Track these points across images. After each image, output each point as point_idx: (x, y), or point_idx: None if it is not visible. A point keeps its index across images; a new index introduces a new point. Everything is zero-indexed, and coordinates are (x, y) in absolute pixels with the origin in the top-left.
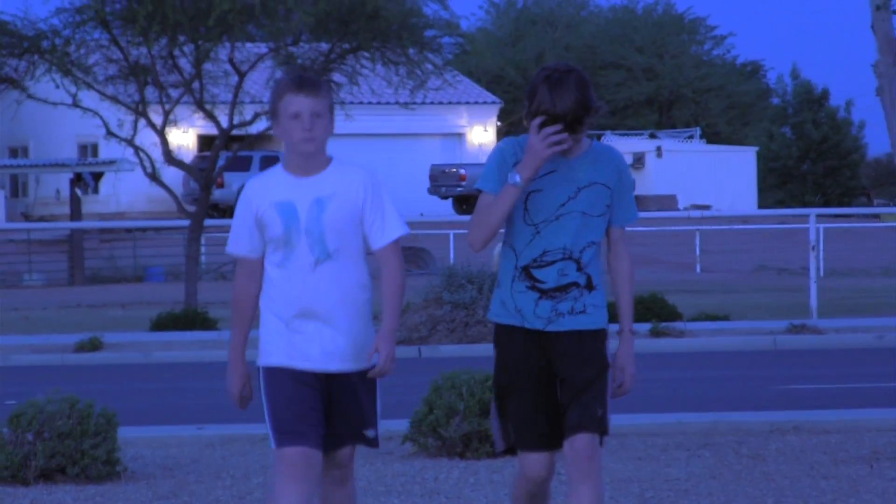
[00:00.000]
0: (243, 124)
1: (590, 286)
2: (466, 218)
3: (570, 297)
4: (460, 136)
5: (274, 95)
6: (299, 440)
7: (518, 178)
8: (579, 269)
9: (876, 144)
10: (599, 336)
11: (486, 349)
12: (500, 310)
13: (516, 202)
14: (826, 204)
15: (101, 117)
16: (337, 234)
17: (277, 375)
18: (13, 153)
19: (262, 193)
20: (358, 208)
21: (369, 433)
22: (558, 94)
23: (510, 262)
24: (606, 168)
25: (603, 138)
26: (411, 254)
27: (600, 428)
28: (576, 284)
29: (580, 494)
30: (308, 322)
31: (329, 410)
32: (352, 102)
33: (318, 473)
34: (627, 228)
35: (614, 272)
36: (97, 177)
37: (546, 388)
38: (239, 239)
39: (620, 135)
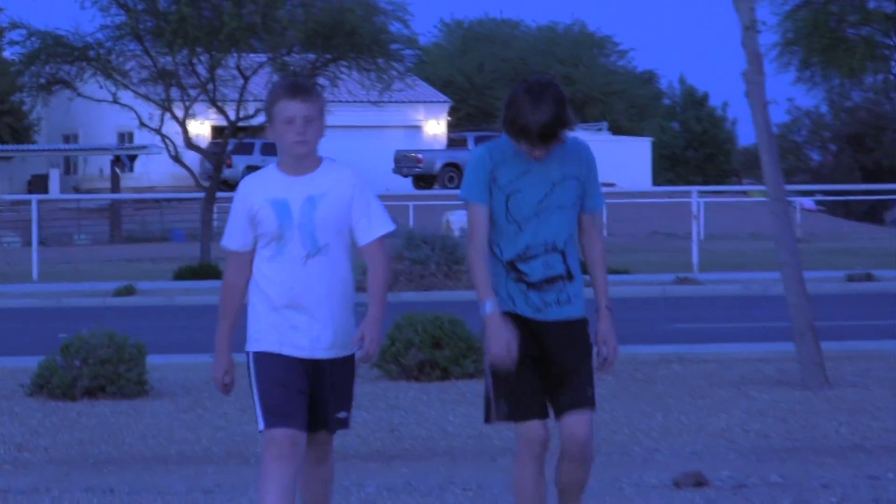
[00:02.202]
0: (247, 117)
1: (570, 276)
2: (423, 192)
3: (555, 289)
4: (418, 128)
5: (269, 100)
6: (287, 422)
7: (488, 309)
8: (564, 260)
9: (745, 136)
10: (583, 323)
11: (438, 296)
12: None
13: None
14: (705, 182)
15: (135, 111)
16: (327, 230)
17: (267, 360)
18: (66, 139)
19: (256, 191)
20: (347, 206)
21: (341, 415)
22: (536, 108)
23: (497, 258)
24: (575, 161)
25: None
26: None
27: (589, 404)
28: (560, 277)
29: (575, 468)
30: (296, 312)
31: (311, 395)
32: (332, 101)
33: (303, 453)
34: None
35: (589, 255)
36: (132, 158)
37: (537, 367)
38: (233, 234)
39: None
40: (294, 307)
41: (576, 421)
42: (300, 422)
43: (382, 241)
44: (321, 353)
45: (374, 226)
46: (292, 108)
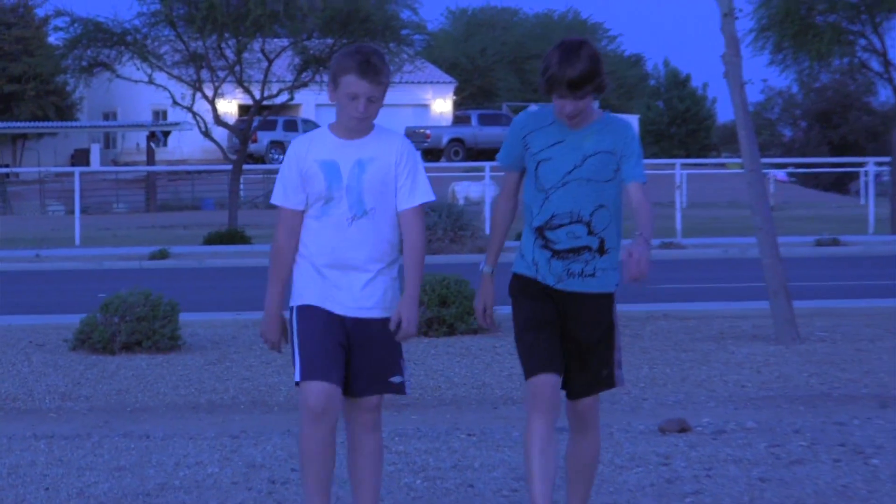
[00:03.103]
0: (271, 97)
1: (602, 250)
2: (431, 164)
3: (581, 260)
4: (426, 106)
5: (338, 66)
6: (324, 376)
7: (483, 268)
8: (591, 232)
9: (723, 114)
10: (607, 298)
11: (444, 259)
12: (520, 261)
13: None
14: (688, 156)
15: (169, 91)
16: (374, 194)
17: (308, 312)
18: (105, 117)
19: (307, 151)
20: (393, 171)
21: (395, 379)
22: (567, 60)
23: (528, 222)
24: (611, 137)
25: (529, 107)
26: None
27: (606, 385)
28: (588, 248)
29: (581, 447)
30: (339, 271)
31: (354, 355)
32: None
33: (338, 409)
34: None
35: (635, 216)
36: (166, 134)
37: (556, 330)
38: (284, 192)
39: (541, 106)
40: (336, 267)
41: (583, 402)
42: (336, 377)
43: (421, 208)
44: (362, 312)
45: (417, 193)
46: (360, 87)
